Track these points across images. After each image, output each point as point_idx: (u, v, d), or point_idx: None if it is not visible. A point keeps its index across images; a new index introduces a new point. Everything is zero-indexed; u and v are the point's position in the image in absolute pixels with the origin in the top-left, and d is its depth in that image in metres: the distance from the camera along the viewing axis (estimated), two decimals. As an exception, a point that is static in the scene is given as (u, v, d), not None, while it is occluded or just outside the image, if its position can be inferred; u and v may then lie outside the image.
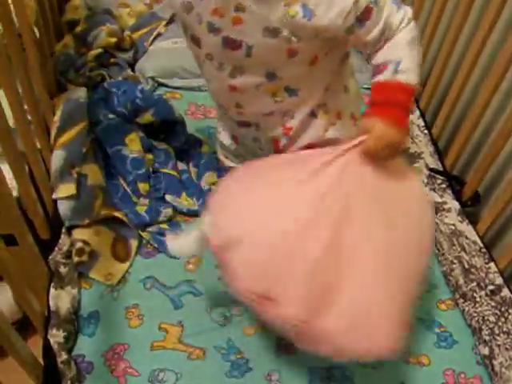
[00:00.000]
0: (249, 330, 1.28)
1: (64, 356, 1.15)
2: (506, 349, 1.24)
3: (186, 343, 1.25)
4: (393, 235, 1.00)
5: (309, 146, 1.10)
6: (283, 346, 1.26)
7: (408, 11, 0.97)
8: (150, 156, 1.52)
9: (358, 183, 0.99)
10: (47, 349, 1.16)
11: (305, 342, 1.01)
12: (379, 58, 0.98)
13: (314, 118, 1.09)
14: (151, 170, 1.50)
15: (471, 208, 1.52)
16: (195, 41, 1.02)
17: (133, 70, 1.89)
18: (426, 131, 1.69)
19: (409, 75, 0.96)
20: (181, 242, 1.20)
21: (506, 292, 1.33)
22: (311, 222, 0.97)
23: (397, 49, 0.96)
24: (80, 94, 1.63)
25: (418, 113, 1.74)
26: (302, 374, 1.22)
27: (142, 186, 1.45)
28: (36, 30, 1.50)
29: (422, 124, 1.71)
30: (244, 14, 0.91)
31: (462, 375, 1.25)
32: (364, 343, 0.97)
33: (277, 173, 1.05)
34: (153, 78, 1.85)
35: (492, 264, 1.38)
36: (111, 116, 1.56)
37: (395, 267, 0.99)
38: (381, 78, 0.97)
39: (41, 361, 1.14)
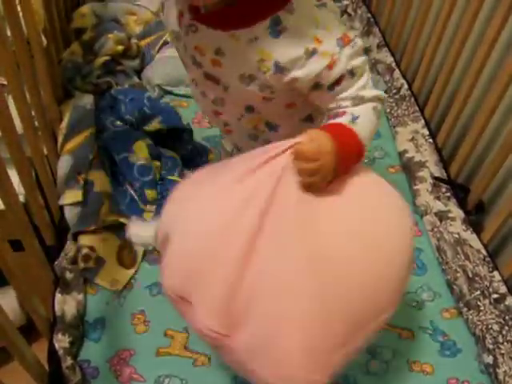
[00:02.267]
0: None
1: (69, 361, 1.16)
2: (510, 358, 1.24)
3: (192, 349, 1.25)
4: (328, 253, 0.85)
5: None
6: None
7: (382, 93, 0.95)
8: (157, 163, 1.52)
9: (290, 191, 0.86)
10: (52, 354, 1.16)
11: (222, 355, 0.95)
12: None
13: None
14: (158, 177, 1.51)
15: (475, 217, 1.53)
16: (184, 64, 1.05)
17: (139, 78, 1.90)
18: (430, 140, 1.69)
19: (362, 131, 0.91)
20: (141, 230, 1.20)
21: (509, 301, 1.33)
22: (233, 225, 0.86)
23: (360, 107, 0.93)
24: (87, 100, 1.64)
25: (422, 121, 1.74)
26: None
27: (149, 193, 1.45)
28: (44, 38, 1.51)
29: (427, 133, 1.71)
30: (222, 59, 0.92)
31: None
32: (273, 370, 0.85)
33: (226, 174, 0.94)
34: (159, 86, 1.86)
35: (496, 273, 1.38)
36: (118, 123, 1.57)
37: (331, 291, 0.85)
38: (337, 120, 0.92)
39: (46, 366, 1.14)
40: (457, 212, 1.52)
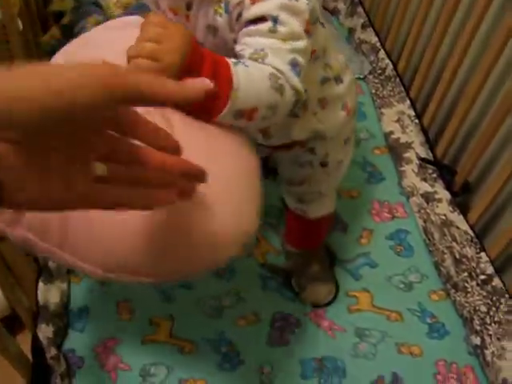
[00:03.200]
0: (240, 322, 1.28)
1: (53, 351, 1.14)
2: (498, 338, 1.24)
3: (178, 336, 1.25)
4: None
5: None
6: (274, 337, 1.25)
7: (299, 85, 0.81)
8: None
9: None
10: (36, 344, 1.14)
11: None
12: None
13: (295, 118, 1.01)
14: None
15: (462, 198, 1.52)
16: None
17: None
18: (416, 121, 1.68)
19: (242, 78, 0.75)
20: None
21: (497, 282, 1.33)
22: None
23: (258, 66, 0.78)
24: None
25: (408, 102, 1.73)
26: (294, 366, 1.22)
27: None
28: (20, 21, 1.47)
29: (413, 114, 1.70)
30: (190, 12, 0.88)
31: (454, 365, 1.24)
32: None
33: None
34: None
35: (483, 254, 1.38)
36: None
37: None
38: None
39: (30, 356, 1.12)
40: (443, 193, 1.51)
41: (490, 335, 1.25)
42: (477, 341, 1.26)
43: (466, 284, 1.33)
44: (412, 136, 1.65)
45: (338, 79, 1.05)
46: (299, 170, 1.13)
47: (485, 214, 1.44)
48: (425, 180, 1.55)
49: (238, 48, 0.81)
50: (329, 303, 1.33)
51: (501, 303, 1.29)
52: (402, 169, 1.59)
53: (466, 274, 1.35)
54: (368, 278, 1.38)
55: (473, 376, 1.23)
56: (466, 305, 1.31)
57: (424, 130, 1.67)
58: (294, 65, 0.80)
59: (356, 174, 1.59)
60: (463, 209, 1.48)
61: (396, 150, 1.64)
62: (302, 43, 0.81)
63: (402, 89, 1.78)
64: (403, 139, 1.65)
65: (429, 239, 1.44)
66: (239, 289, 1.33)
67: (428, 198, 1.50)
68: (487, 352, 1.23)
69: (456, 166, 1.57)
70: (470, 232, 1.41)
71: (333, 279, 1.36)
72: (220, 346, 1.23)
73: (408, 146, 1.62)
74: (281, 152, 1.12)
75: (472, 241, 1.40)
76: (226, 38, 0.86)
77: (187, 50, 0.73)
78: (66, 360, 1.17)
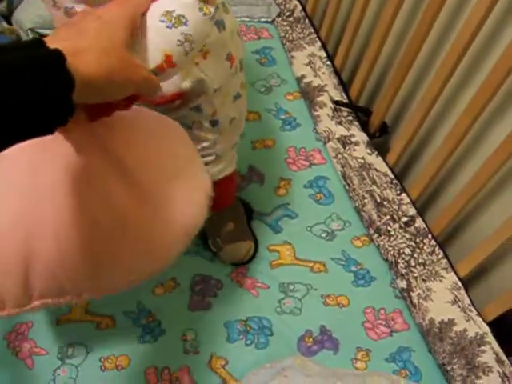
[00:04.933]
0: (159, 290, 1.21)
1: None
2: (423, 280, 1.23)
3: (94, 312, 1.16)
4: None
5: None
6: (196, 302, 1.19)
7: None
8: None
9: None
10: None
11: None
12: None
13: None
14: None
15: (379, 139, 1.49)
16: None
17: (9, 23, 1.72)
18: (328, 62, 1.62)
19: None
20: None
21: (419, 223, 1.31)
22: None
23: None
24: None
25: (319, 44, 1.67)
26: (219, 330, 1.16)
27: None
28: None
29: (324, 55, 1.64)
30: None
31: (382, 311, 1.22)
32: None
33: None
34: (32, 30, 1.70)
35: (404, 195, 1.35)
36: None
37: None
38: None
39: None
40: (360, 136, 1.47)
41: (416, 277, 1.23)
42: (403, 284, 1.24)
43: (389, 227, 1.30)
44: (324, 79, 1.59)
45: (221, 24, 0.94)
46: (190, 133, 1.05)
47: (403, 154, 1.41)
48: (340, 123, 1.50)
49: None
50: (249, 260, 1.27)
51: (424, 244, 1.28)
52: (317, 113, 1.53)
53: (388, 217, 1.32)
54: (288, 229, 1.33)
55: (401, 319, 1.22)
56: (390, 248, 1.28)
57: (337, 72, 1.61)
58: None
59: (269, 121, 1.53)
60: (381, 150, 1.44)
61: (309, 95, 1.58)
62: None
63: (312, 30, 1.72)
64: (316, 82, 1.59)
65: (348, 185, 1.40)
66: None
67: (345, 141, 1.46)
68: (413, 294, 1.22)
69: (371, 107, 1.53)
70: (390, 174, 1.38)
71: (251, 235, 1.30)
72: (139, 317, 1.16)
73: (321, 89, 1.57)
74: (169, 114, 1.02)
75: (392, 183, 1.37)
76: None
77: None
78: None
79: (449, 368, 1.13)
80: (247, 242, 1.28)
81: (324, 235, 1.33)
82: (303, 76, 1.62)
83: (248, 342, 1.15)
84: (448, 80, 1.22)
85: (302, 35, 1.72)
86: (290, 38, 1.73)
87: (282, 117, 1.54)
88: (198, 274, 1.24)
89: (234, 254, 1.26)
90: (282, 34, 1.76)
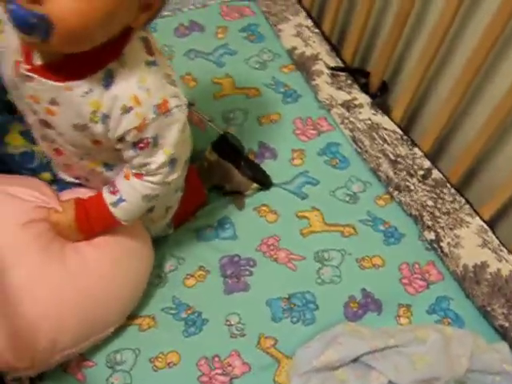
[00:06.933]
0: (190, 281, 1.20)
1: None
2: (450, 228, 1.25)
3: (133, 315, 1.14)
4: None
5: None
6: (231, 285, 1.19)
7: (174, 176, 0.98)
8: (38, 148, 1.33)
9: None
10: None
11: None
12: (120, 182, 0.99)
13: None
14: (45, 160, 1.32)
15: (381, 98, 1.49)
16: (19, 109, 1.02)
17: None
18: (316, 30, 1.62)
19: (123, 215, 1.00)
20: None
21: (436, 174, 1.33)
22: None
23: (133, 193, 0.98)
24: None
25: (304, 13, 1.66)
26: (262, 310, 1.16)
27: (44, 177, 1.28)
28: None
29: (311, 24, 1.64)
30: (57, 108, 0.90)
31: (416, 265, 1.24)
32: None
33: None
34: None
35: (416, 149, 1.37)
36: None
37: None
38: (106, 195, 1.00)
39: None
40: (362, 98, 1.47)
41: (443, 227, 1.25)
42: (431, 236, 1.26)
43: (408, 183, 1.32)
44: (316, 47, 1.59)
45: None
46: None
47: (408, 109, 1.42)
48: (340, 89, 1.50)
49: (128, 161, 0.95)
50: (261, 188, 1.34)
51: (445, 194, 1.30)
52: (315, 82, 1.53)
53: (404, 172, 1.33)
54: (313, 195, 1.34)
55: (435, 271, 1.23)
56: (413, 203, 1.30)
57: (327, 38, 1.61)
58: (170, 169, 0.96)
59: (270, 96, 1.52)
60: (385, 109, 1.45)
61: (304, 65, 1.57)
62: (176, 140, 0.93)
63: (294, 0, 1.70)
64: (308, 52, 1.58)
65: (360, 147, 1.40)
66: (173, 249, 1.25)
67: (348, 106, 1.46)
68: (443, 244, 1.24)
69: (367, 68, 1.53)
70: (398, 130, 1.40)
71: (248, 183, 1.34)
72: (179, 312, 1.15)
73: (315, 58, 1.56)
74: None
75: (402, 139, 1.38)
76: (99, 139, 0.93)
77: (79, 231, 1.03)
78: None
79: (489, 309, 1.15)
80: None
81: (347, 199, 1.33)
82: (294, 48, 1.61)
83: (294, 319, 1.15)
84: (448, 29, 1.23)
85: (284, 7, 1.71)
86: (273, 12, 1.71)
87: (282, 90, 1.53)
88: (223, 255, 1.23)
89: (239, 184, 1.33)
90: (264, 9, 1.74)
